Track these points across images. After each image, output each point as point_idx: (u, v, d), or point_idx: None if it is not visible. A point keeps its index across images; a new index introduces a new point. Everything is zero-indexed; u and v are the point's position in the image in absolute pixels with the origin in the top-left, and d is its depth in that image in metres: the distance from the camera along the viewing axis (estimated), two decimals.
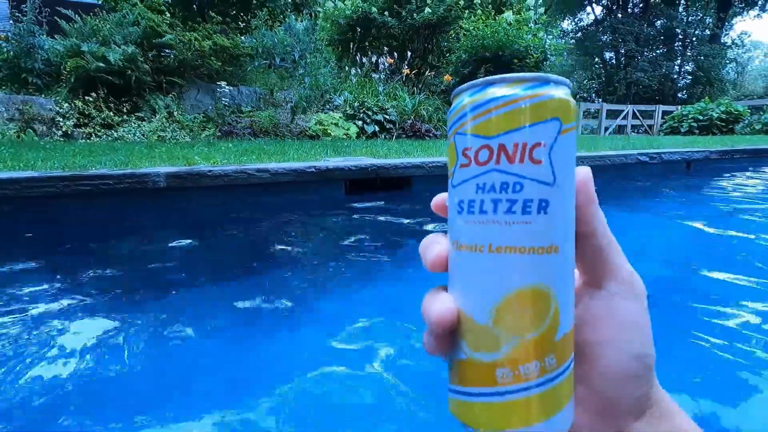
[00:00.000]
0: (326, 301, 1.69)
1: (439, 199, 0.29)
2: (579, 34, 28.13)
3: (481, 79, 0.25)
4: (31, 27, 5.70)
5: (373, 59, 7.76)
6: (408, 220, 2.79)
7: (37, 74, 5.69)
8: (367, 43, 8.86)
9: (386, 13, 8.64)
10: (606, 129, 12.85)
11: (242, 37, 7.77)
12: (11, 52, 5.58)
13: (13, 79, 5.58)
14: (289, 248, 2.28)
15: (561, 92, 0.24)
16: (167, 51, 6.51)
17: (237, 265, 2.03)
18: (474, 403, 0.25)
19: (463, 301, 0.25)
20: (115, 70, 5.83)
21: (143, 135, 5.52)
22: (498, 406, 0.24)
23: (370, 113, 6.71)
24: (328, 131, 6.19)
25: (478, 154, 0.24)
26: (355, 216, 2.82)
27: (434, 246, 0.27)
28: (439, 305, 0.25)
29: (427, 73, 8.19)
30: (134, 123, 5.79)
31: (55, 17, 6.19)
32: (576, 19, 29.09)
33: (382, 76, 7.68)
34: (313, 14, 10.17)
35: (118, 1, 7.32)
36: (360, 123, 6.58)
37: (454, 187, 0.25)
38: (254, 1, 8.58)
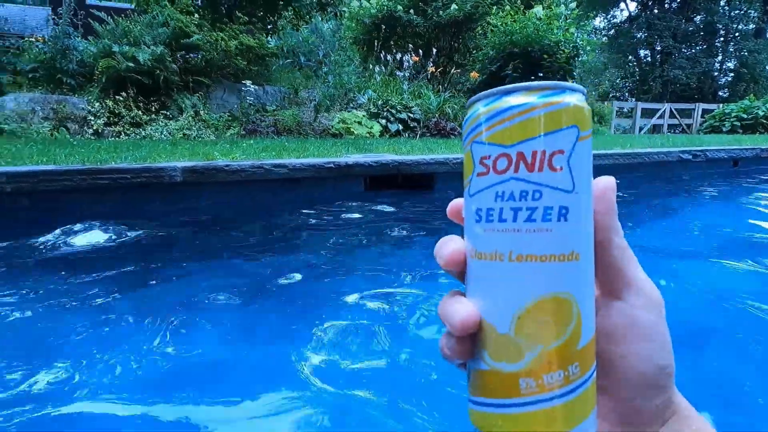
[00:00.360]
0: (339, 308, 1.59)
1: (454, 205, 0.28)
2: (612, 32, 27.20)
3: (496, 89, 0.24)
4: (66, 29, 5.90)
5: (398, 57, 7.65)
6: (429, 218, 2.67)
7: (71, 75, 5.87)
8: (392, 42, 8.78)
9: (411, 11, 8.52)
10: (640, 129, 12.31)
11: (268, 37, 7.82)
12: (48, 54, 5.78)
13: (48, 79, 5.78)
14: (304, 245, 2.20)
15: (577, 99, 0.24)
16: (194, 54, 6.62)
17: (248, 261, 1.96)
18: (498, 414, 0.24)
19: (484, 310, 0.25)
20: (145, 70, 5.95)
21: (169, 133, 5.60)
22: (523, 417, 0.24)
23: (393, 111, 6.61)
24: (351, 129, 6.13)
25: (497, 163, 0.24)
26: (373, 213, 2.72)
27: (450, 244, 0.27)
28: (462, 309, 0.25)
29: (452, 70, 8.02)
30: (161, 122, 5.89)
31: (89, 19, 6.39)
32: (609, 16, 28.14)
33: (407, 74, 7.57)
34: (338, 14, 10.18)
35: (149, 3, 7.51)
36: (383, 121, 6.49)
37: (471, 196, 0.25)
38: (280, 2, 8.64)
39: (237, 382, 1.13)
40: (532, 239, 0.23)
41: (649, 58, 25.14)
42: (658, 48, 23.71)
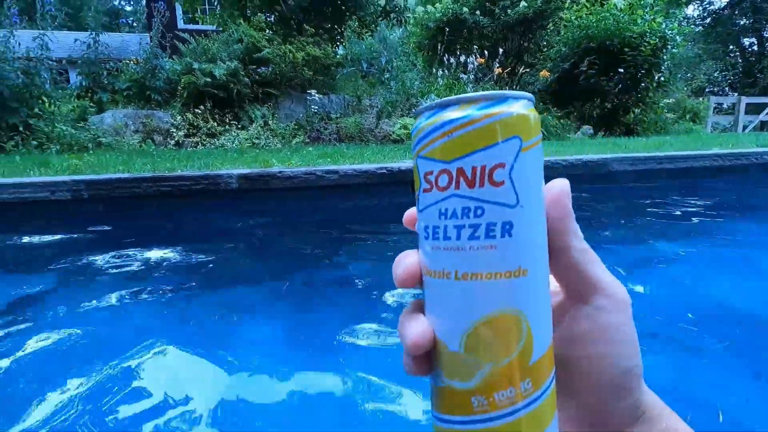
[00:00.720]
0: (382, 310, 1.49)
1: (408, 215, 0.28)
2: (708, 20, 24.38)
3: (435, 101, 0.24)
4: (156, 51, 6.51)
5: (462, 60, 7.44)
6: None
7: (158, 91, 6.45)
8: (458, 45, 8.58)
9: (478, 12, 8.27)
10: (744, 126, 10.77)
11: (334, 47, 8.03)
12: (140, 74, 6.41)
13: (139, 96, 6.40)
14: (355, 250, 2.13)
15: (519, 107, 0.23)
16: (264, 68, 6.97)
17: (300, 267, 1.93)
18: (454, 431, 0.24)
19: (436, 327, 0.25)
20: (220, 84, 6.38)
21: (240, 143, 5.91)
22: None
23: None
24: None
25: (438, 179, 0.23)
26: None
27: (404, 260, 0.26)
28: (415, 328, 0.25)
29: (521, 70, 7.63)
30: (234, 132, 6.26)
31: (176, 41, 7.00)
32: (705, 3, 25.28)
33: (471, 77, 7.32)
34: (403, 20, 10.19)
35: (228, 23, 8.08)
36: None
37: (420, 212, 0.25)
38: (347, 12, 8.85)
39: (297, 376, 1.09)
40: (476, 257, 0.23)
41: (755, 47, 22.12)
42: (767, 35, 20.77)
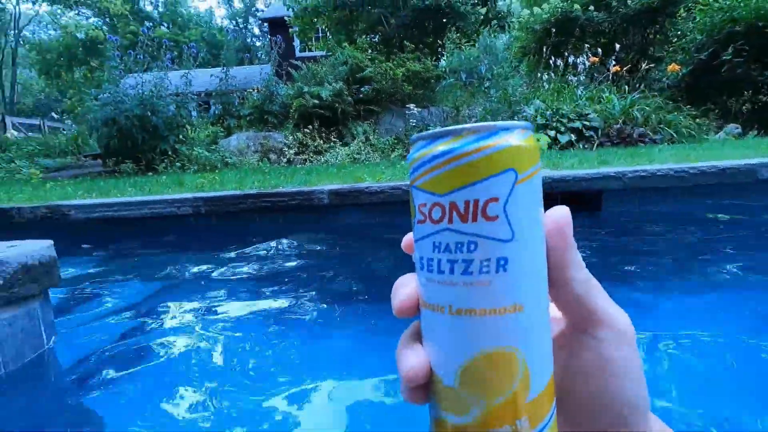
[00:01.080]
0: None
1: (406, 240, 0.27)
2: None
3: (430, 131, 0.24)
4: (272, 79, 7.28)
5: (570, 61, 6.86)
6: (593, 244, 2.19)
7: (274, 114, 7.19)
8: (569, 45, 7.97)
9: (591, 7, 7.58)
10: None
11: (435, 60, 8.07)
12: (259, 100, 7.22)
13: (259, 119, 7.20)
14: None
15: (514, 138, 0.22)
16: (367, 86, 7.30)
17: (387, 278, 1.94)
18: None
19: (432, 359, 0.24)
20: (326, 105, 6.85)
21: (341, 159, 6.25)
22: None
23: (564, 121, 5.92)
24: None
25: (432, 212, 0.23)
26: None
27: (402, 289, 0.26)
28: (411, 360, 0.24)
29: (643, 66, 6.75)
30: (338, 148, 6.65)
31: (289, 68, 7.75)
32: None
33: (582, 78, 6.70)
34: (506, 25, 9.83)
35: (335, 47, 8.69)
36: (552, 133, 5.86)
37: (416, 242, 0.25)
38: (448, 25, 8.85)
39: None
40: (469, 293, 0.22)
41: None
42: None
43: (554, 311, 0.27)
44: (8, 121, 13.59)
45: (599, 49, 6.80)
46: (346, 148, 6.55)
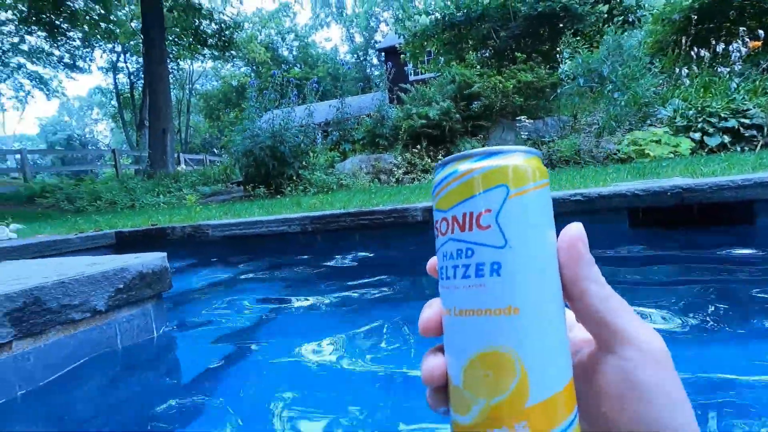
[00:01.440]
0: None
1: (431, 262, 0.30)
2: None
3: (442, 160, 0.27)
4: (383, 103, 7.66)
5: (719, 50, 5.79)
6: (744, 272, 1.78)
7: (384, 137, 7.53)
8: (721, 32, 6.75)
9: None
10: None
11: (547, 68, 7.59)
12: (371, 125, 7.65)
13: (370, 143, 7.61)
14: None
15: (508, 160, 0.25)
16: (475, 102, 7.19)
17: None
18: None
19: (447, 362, 0.26)
20: (434, 124, 6.94)
21: None
22: None
23: (714, 120, 4.99)
24: (646, 151, 5.01)
25: (441, 226, 0.26)
26: (638, 258, 2.06)
27: (426, 311, 0.28)
28: (429, 362, 0.26)
29: None
30: None
31: (398, 92, 8.08)
32: None
33: (738, 68, 5.60)
34: (636, 20, 8.79)
35: (443, 66, 8.81)
36: (698, 135, 4.98)
37: (437, 254, 0.28)
38: (564, 29, 8.28)
39: None
40: (468, 295, 0.25)
41: None
42: None
43: (583, 331, 0.27)
44: (182, 157, 16.80)
45: (761, 32, 5.62)
46: None
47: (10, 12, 18.48)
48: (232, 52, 20.39)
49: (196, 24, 17.74)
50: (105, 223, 4.32)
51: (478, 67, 7.98)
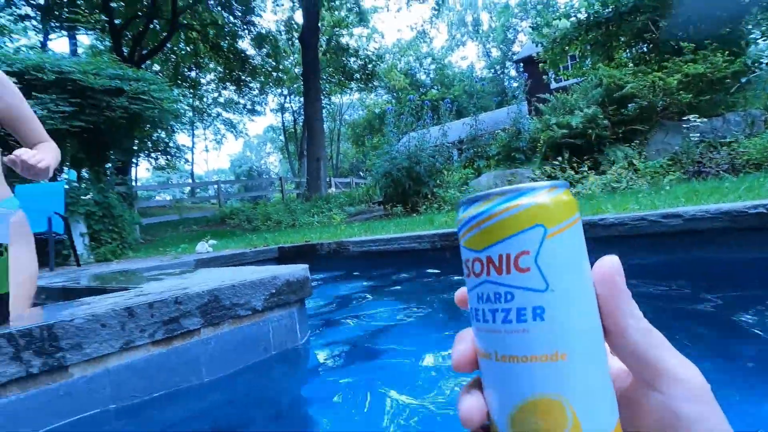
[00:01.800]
0: None
1: (460, 294, 0.29)
2: None
3: (468, 197, 0.27)
4: (519, 116, 7.39)
5: None
6: None
7: (521, 151, 7.23)
8: None
9: None
10: None
11: (727, 55, 6.30)
12: (506, 139, 7.43)
13: (506, 158, 7.38)
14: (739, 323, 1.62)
15: (541, 197, 0.24)
16: (629, 105, 6.38)
17: None
18: None
19: (489, 404, 0.26)
20: (577, 133, 6.39)
21: (592, 189, 5.62)
22: None
23: None
24: None
25: (474, 266, 0.25)
26: None
27: (457, 346, 0.28)
28: (466, 403, 0.26)
29: None
30: (591, 178, 6.02)
31: (536, 103, 7.68)
32: None
33: None
34: None
35: (590, 71, 8.07)
36: None
37: (468, 293, 0.27)
38: (751, 6, 6.79)
39: None
40: (511, 340, 0.24)
41: None
42: None
43: (621, 364, 0.27)
44: (333, 181, 18.85)
45: None
46: (602, 176, 5.85)
47: (213, 74, 23.69)
48: (375, 82, 22.18)
49: (344, 63, 19.90)
50: (271, 240, 5.14)
51: (631, 65, 7.08)
